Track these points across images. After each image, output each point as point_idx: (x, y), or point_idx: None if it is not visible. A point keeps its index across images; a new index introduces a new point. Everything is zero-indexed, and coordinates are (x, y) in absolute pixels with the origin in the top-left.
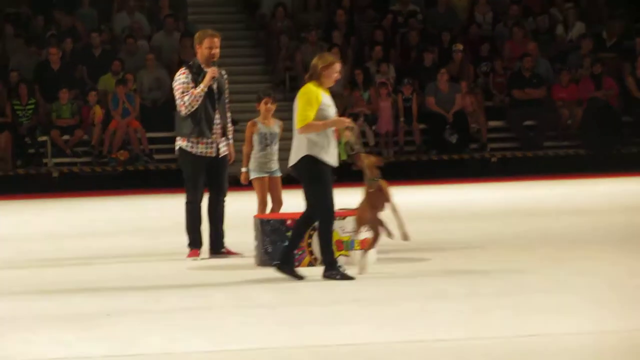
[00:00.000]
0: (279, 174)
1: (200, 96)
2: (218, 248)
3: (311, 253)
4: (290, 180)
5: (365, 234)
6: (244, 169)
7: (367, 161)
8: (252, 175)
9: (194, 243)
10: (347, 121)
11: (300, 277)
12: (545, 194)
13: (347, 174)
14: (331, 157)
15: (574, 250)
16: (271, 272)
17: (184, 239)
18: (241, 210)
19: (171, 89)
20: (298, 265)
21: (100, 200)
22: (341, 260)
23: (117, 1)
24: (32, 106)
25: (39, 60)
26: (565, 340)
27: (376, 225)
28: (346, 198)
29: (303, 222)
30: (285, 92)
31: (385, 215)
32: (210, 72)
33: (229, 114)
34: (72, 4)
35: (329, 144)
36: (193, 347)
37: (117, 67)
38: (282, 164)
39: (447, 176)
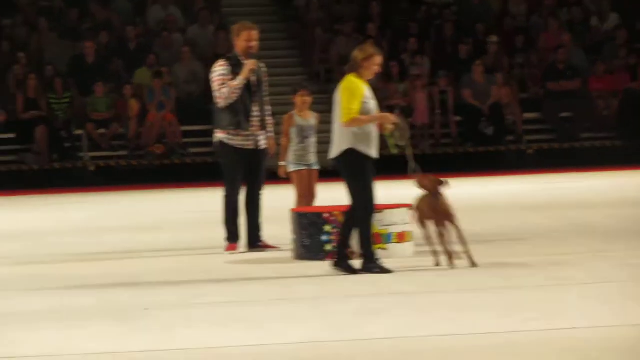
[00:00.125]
0: (316, 167)
1: (238, 88)
2: (255, 242)
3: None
4: (327, 173)
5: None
6: (282, 163)
7: (427, 181)
8: (290, 168)
9: (232, 237)
10: (392, 118)
11: (355, 271)
12: (581, 186)
13: (390, 167)
14: (373, 149)
15: (614, 242)
16: (309, 265)
17: (221, 232)
18: (278, 203)
19: (206, 82)
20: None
21: (137, 194)
22: (379, 253)
23: None
24: (68, 100)
25: (74, 53)
26: (607, 333)
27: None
28: (388, 191)
29: (352, 217)
30: (320, 85)
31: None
32: (249, 64)
33: (268, 107)
34: None
35: (370, 136)
36: (231, 341)
37: (152, 60)
38: (320, 157)
39: (483, 168)
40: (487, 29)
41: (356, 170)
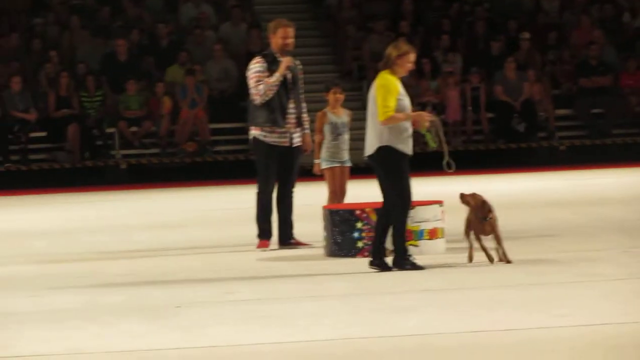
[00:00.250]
0: (349, 164)
1: (275, 85)
2: (286, 239)
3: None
4: (359, 170)
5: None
6: (317, 160)
7: (474, 202)
8: (324, 165)
9: (264, 234)
10: (427, 116)
11: (390, 268)
12: (614, 182)
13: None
14: (408, 147)
15: None
16: (340, 262)
17: (252, 230)
18: (310, 200)
19: (239, 80)
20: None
21: (168, 192)
22: (411, 250)
23: None
24: (100, 98)
25: (106, 51)
26: (638, 329)
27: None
28: (421, 188)
29: (385, 215)
30: (352, 82)
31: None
32: (285, 61)
33: (304, 104)
34: None
35: (406, 133)
36: (263, 339)
37: (184, 58)
38: (353, 154)
39: (515, 165)
40: (519, 26)
41: (392, 167)
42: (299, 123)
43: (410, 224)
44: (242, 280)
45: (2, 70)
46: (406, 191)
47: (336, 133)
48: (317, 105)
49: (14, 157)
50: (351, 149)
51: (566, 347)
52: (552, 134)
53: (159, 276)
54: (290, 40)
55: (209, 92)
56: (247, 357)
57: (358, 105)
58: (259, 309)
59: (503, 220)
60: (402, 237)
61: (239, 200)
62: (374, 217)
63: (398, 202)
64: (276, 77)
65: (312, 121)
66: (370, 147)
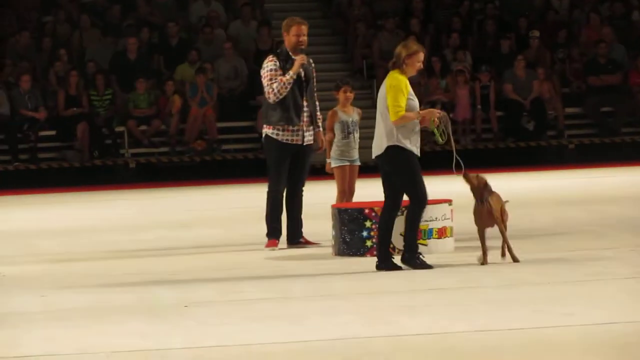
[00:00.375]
0: (358, 163)
1: (289, 83)
2: (295, 238)
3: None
4: (368, 169)
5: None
6: (329, 160)
7: (476, 182)
8: (333, 164)
9: (273, 232)
10: (436, 111)
11: (399, 267)
12: (623, 181)
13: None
14: (415, 146)
15: None
16: (349, 261)
17: (261, 229)
18: (318, 199)
19: (249, 78)
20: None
21: (178, 191)
22: (420, 249)
23: None
24: (109, 96)
25: (116, 50)
26: None
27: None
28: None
29: (387, 216)
30: (362, 80)
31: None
32: (299, 59)
33: (317, 102)
34: None
35: (413, 133)
36: (271, 338)
37: (193, 56)
38: (362, 153)
39: (525, 163)
40: (529, 24)
41: (404, 165)
42: (312, 121)
43: (420, 223)
44: (251, 279)
45: (12, 69)
46: (421, 188)
47: (346, 132)
48: (327, 104)
49: (23, 156)
50: (361, 148)
51: (576, 346)
52: (562, 132)
53: (167, 275)
54: (304, 38)
55: (218, 90)
56: (255, 357)
57: (368, 103)
58: (268, 308)
59: (512, 218)
60: (415, 233)
61: (248, 199)
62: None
63: (415, 198)
64: (290, 76)
65: (323, 120)
66: (378, 146)
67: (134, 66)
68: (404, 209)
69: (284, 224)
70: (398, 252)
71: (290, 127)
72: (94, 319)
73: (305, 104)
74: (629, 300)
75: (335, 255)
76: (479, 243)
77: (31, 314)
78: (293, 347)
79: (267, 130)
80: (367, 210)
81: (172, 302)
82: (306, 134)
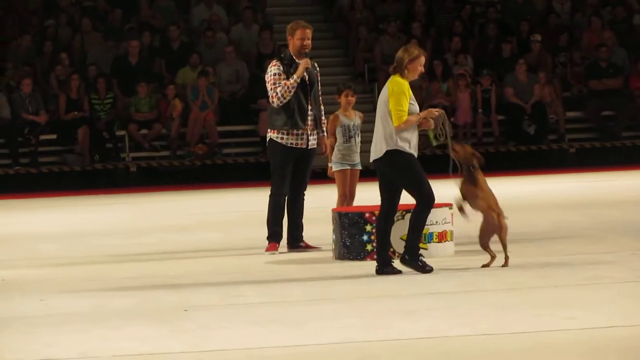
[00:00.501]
0: (359, 167)
1: (292, 87)
2: (296, 242)
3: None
4: (369, 173)
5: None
6: (330, 164)
7: (463, 152)
8: (335, 168)
9: (274, 236)
10: (434, 110)
11: (399, 271)
12: (624, 185)
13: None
14: (414, 149)
15: None
16: (350, 265)
17: (261, 233)
18: (319, 203)
19: (250, 82)
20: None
21: (178, 195)
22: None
23: None
24: (110, 100)
25: (117, 54)
26: None
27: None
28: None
29: (385, 220)
30: (364, 84)
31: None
32: (303, 63)
33: (322, 106)
34: None
35: (412, 136)
36: (271, 342)
37: (195, 60)
38: (363, 157)
39: (526, 167)
40: (530, 28)
41: (405, 168)
42: (317, 125)
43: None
44: (251, 283)
45: (13, 72)
46: (425, 188)
47: (348, 136)
48: (328, 108)
49: (24, 160)
50: (362, 152)
51: (575, 349)
52: (563, 136)
53: (167, 279)
54: (308, 42)
55: (219, 94)
56: None
57: (369, 107)
58: (268, 312)
59: (513, 222)
60: (419, 237)
61: (249, 203)
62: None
63: (421, 199)
64: (294, 80)
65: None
66: (377, 150)
67: (135, 70)
68: (404, 212)
69: (284, 227)
70: (398, 256)
71: (295, 131)
72: (95, 323)
73: (309, 107)
74: (629, 304)
75: (336, 259)
76: (479, 247)
77: (31, 318)
78: (293, 351)
79: (271, 134)
80: (367, 214)
81: (173, 306)
82: (310, 137)
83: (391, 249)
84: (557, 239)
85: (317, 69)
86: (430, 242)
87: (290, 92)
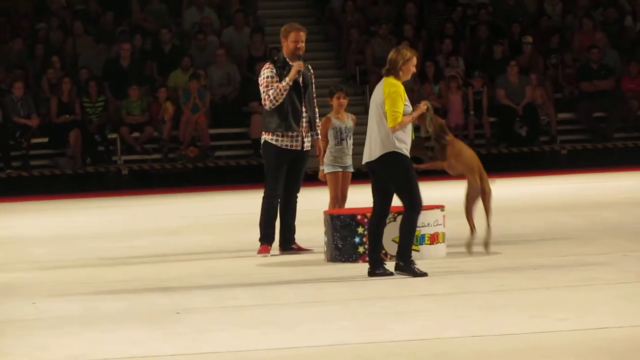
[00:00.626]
0: (351, 170)
1: (285, 90)
2: (288, 244)
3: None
4: (360, 175)
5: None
6: (321, 167)
7: (434, 122)
8: (326, 170)
9: (266, 238)
10: (422, 106)
11: (391, 273)
12: (615, 186)
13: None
14: (408, 151)
15: None
16: (342, 267)
17: (253, 235)
18: (311, 205)
19: (241, 85)
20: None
21: (170, 198)
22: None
23: None
24: (102, 103)
25: (109, 57)
26: (638, 333)
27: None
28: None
29: (377, 222)
30: (355, 87)
31: None
32: (296, 65)
33: (316, 109)
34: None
35: (407, 138)
36: (264, 345)
37: (186, 63)
38: (355, 159)
39: (517, 169)
40: (522, 30)
41: (401, 170)
42: (311, 127)
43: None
44: (243, 286)
45: (4, 76)
46: (417, 194)
47: (340, 138)
48: (320, 110)
49: (15, 163)
50: (354, 154)
51: (567, 351)
52: (554, 137)
53: (159, 282)
54: (302, 45)
55: (211, 97)
56: None
57: (361, 110)
58: (260, 314)
59: (504, 224)
60: (411, 242)
61: (241, 206)
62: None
63: (412, 203)
64: (286, 82)
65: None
66: (372, 152)
67: (127, 73)
68: (396, 214)
69: (277, 230)
70: (390, 258)
71: (290, 133)
72: (86, 326)
73: (304, 110)
74: (622, 305)
75: (328, 261)
76: (472, 249)
77: (23, 321)
78: (285, 353)
79: (266, 136)
80: (359, 217)
81: (164, 308)
82: (305, 140)
83: (383, 251)
84: (549, 240)
85: (312, 71)
86: (422, 244)
87: (282, 94)
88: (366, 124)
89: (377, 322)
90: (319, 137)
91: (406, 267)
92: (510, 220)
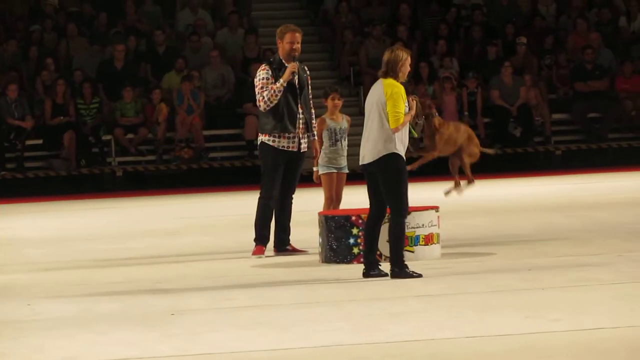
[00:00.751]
0: (346, 171)
1: (279, 91)
2: (283, 245)
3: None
4: (355, 176)
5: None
6: (315, 168)
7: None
8: (321, 171)
9: (261, 239)
10: (414, 104)
11: (386, 274)
12: (610, 187)
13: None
14: (404, 151)
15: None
16: (336, 268)
17: (247, 236)
18: (306, 206)
19: (235, 86)
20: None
21: (165, 199)
22: (406, 256)
23: None
24: (96, 105)
25: (103, 58)
26: (633, 333)
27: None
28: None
29: (374, 224)
30: (350, 88)
31: None
32: (290, 67)
33: (312, 110)
34: (137, 2)
35: (406, 139)
36: (259, 346)
37: (180, 64)
38: (350, 160)
39: (512, 170)
40: (516, 30)
41: (397, 173)
42: (308, 128)
43: (406, 230)
44: (238, 287)
45: None
46: (405, 198)
47: (334, 139)
48: (316, 112)
49: (9, 165)
50: (349, 155)
51: (562, 351)
52: (548, 138)
53: (154, 284)
54: (297, 46)
55: (205, 98)
56: None
57: (355, 111)
58: (255, 315)
59: (498, 224)
60: (402, 247)
61: (235, 207)
62: (365, 227)
63: (402, 207)
64: (280, 83)
65: None
66: (373, 153)
67: (121, 74)
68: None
69: (272, 231)
70: (385, 259)
71: (286, 135)
72: (81, 327)
73: (300, 111)
74: (616, 306)
75: (322, 262)
76: (467, 249)
77: (18, 322)
78: (281, 354)
79: (262, 137)
80: (354, 218)
81: (160, 310)
82: (302, 141)
83: (378, 252)
84: (543, 241)
85: (308, 72)
86: (417, 245)
87: (276, 96)
88: (361, 125)
89: (372, 323)
90: (315, 138)
91: (401, 272)
92: (505, 220)
